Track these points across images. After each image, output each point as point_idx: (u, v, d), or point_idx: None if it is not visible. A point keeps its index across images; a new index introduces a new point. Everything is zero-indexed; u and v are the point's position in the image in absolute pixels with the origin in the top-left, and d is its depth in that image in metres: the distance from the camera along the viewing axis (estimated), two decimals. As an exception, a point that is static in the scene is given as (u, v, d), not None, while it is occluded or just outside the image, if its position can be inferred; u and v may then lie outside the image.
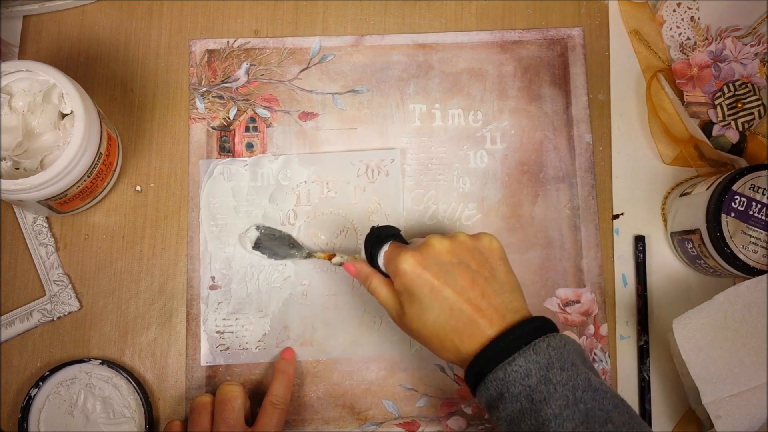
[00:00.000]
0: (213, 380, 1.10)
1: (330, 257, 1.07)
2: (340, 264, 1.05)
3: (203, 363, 1.10)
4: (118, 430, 1.06)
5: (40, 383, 1.06)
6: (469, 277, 0.88)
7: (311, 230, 1.13)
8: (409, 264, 0.89)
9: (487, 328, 0.86)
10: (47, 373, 1.06)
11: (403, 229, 1.11)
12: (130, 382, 1.07)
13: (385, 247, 0.96)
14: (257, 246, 1.11)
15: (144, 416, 1.07)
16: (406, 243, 0.98)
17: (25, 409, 1.06)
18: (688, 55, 1.16)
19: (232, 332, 1.10)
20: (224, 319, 1.10)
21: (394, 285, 0.93)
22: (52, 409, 1.06)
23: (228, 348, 1.10)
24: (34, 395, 1.06)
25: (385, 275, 0.97)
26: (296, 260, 1.12)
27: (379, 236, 0.98)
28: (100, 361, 1.07)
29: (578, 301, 1.13)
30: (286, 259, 1.11)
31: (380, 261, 0.97)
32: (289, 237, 1.12)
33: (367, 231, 1.00)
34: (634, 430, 0.79)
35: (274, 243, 1.11)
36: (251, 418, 1.06)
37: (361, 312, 1.12)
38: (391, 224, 1.03)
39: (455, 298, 0.87)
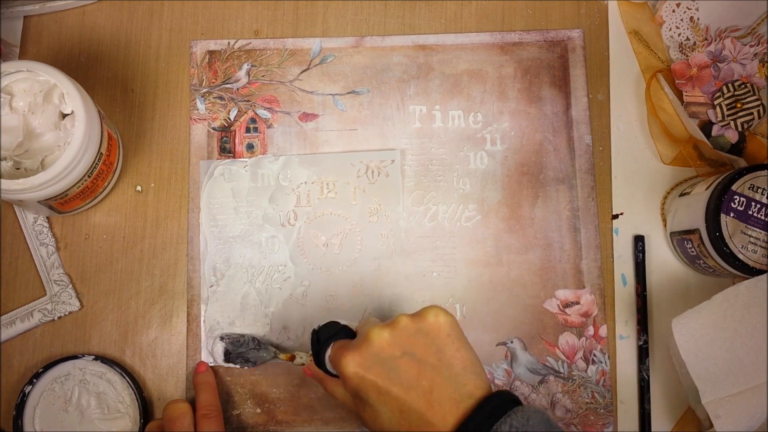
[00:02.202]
0: (213, 380, 1.10)
1: (291, 358, 1.06)
2: (302, 365, 1.05)
3: (203, 363, 1.10)
4: (112, 425, 1.07)
5: (34, 380, 1.06)
6: (414, 370, 0.83)
7: (311, 231, 1.13)
8: (350, 368, 0.84)
9: (441, 425, 0.80)
10: (41, 370, 1.06)
11: (403, 231, 1.12)
12: (124, 377, 1.07)
13: (329, 351, 0.92)
14: (227, 357, 1.09)
15: (138, 411, 1.07)
16: (353, 335, 0.95)
17: (20, 406, 1.06)
18: (687, 56, 1.16)
19: (233, 332, 1.10)
20: (224, 320, 1.10)
21: (345, 388, 0.89)
22: (46, 406, 1.07)
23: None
24: (29, 392, 1.06)
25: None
26: (265, 360, 1.09)
27: (319, 340, 0.94)
28: (94, 356, 1.08)
29: (578, 303, 1.13)
30: (257, 364, 1.09)
31: (328, 366, 0.94)
32: (253, 338, 1.10)
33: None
34: None
35: (241, 349, 1.09)
36: None
37: (361, 313, 1.12)
38: (334, 319, 0.97)
39: (403, 398, 0.82)
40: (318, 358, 0.94)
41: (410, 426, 0.82)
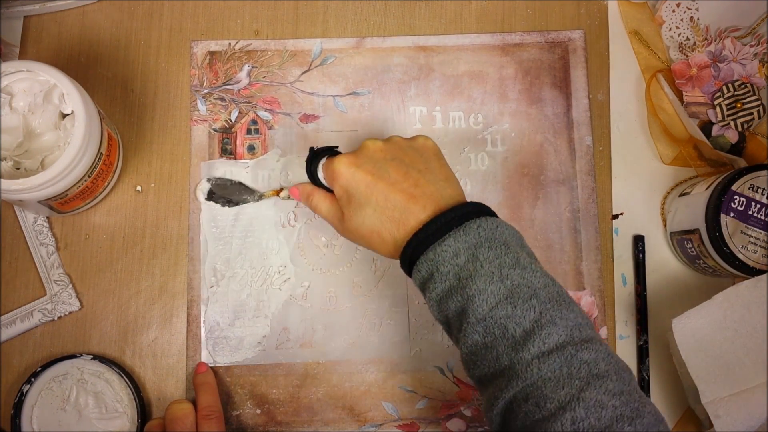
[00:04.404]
0: (213, 381, 1.10)
1: (278, 192, 1.12)
2: (288, 197, 1.10)
3: (203, 363, 1.10)
4: (110, 424, 1.06)
5: (33, 379, 1.06)
6: (402, 170, 0.91)
7: (311, 232, 1.13)
8: (343, 164, 0.93)
9: (420, 213, 0.87)
10: (39, 369, 1.06)
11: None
12: (122, 376, 1.07)
13: (323, 161, 1.00)
14: (210, 197, 1.13)
15: (136, 411, 1.07)
16: None
17: (18, 406, 1.06)
18: (687, 56, 1.16)
19: (232, 333, 1.10)
20: (224, 320, 1.10)
21: (334, 191, 0.96)
22: (44, 405, 1.06)
23: (228, 349, 1.10)
24: (27, 391, 1.06)
25: (329, 190, 1.00)
26: (251, 203, 1.14)
27: (317, 154, 1.02)
28: (92, 356, 1.08)
29: (577, 304, 1.12)
30: (240, 204, 1.14)
31: (320, 175, 1.01)
32: (240, 183, 1.14)
33: None
34: (559, 306, 0.80)
35: (226, 191, 1.13)
36: None
37: (361, 314, 1.12)
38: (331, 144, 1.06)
39: (389, 189, 0.89)
40: (312, 169, 1.02)
41: (393, 213, 0.89)
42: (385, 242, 0.90)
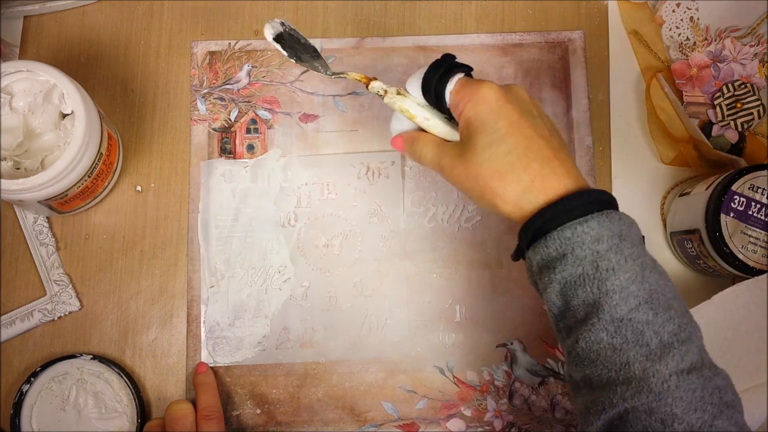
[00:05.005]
0: (213, 381, 1.10)
1: (368, 80, 0.90)
2: (378, 93, 0.89)
3: (203, 363, 1.10)
4: (110, 424, 1.07)
5: (32, 379, 1.06)
6: (548, 127, 0.82)
7: (311, 232, 1.13)
8: (494, 91, 0.81)
9: (564, 178, 0.78)
10: (38, 369, 1.07)
11: (403, 232, 1.11)
12: (122, 376, 1.07)
13: (457, 77, 0.85)
14: (279, 39, 0.90)
15: (136, 411, 1.07)
16: None
17: (17, 405, 1.06)
18: (687, 56, 1.16)
19: (232, 333, 1.10)
20: (224, 320, 1.10)
21: (463, 114, 0.82)
22: (44, 405, 1.07)
23: (228, 349, 1.10)
24: (26, 391, 1.06)
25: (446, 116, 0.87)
26: (315, 69, 0.93)
27: (451, 66, 0.86)
28: (92, 356, 1.08)
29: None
30: (306, 65, 0.92)
31: (450, 87, 0.84)
32: (314, 48, 0.93)
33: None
34: (692, 322, 0.76)
35: (297, 46, 0.92)
36: None
37: (361, 314, 1.12)
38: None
39: (534, 138, 0.79)
40: (440, 83, 0.85)
41: (529, 165, 0.78)
42: (505, 192, 0.79)
